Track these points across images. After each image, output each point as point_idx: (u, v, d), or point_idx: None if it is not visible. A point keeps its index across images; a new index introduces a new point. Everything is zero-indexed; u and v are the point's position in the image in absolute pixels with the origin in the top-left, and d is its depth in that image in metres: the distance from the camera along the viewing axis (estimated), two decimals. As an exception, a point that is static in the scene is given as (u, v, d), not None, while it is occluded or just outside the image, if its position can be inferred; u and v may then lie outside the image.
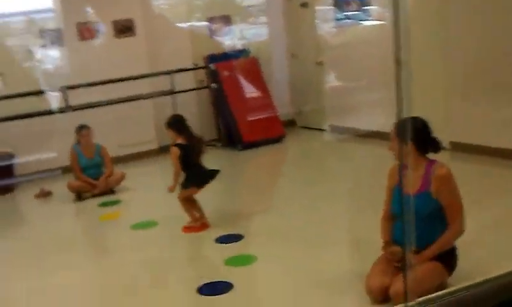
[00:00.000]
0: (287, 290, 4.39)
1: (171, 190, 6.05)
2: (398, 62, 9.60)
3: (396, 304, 3.79)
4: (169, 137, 6.16)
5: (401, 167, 4.04)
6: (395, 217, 4.08)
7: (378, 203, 4.28)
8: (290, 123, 10.60)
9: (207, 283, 4.56)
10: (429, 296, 2.85)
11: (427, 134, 3.99)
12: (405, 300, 2.92)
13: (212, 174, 6.14)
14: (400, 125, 3.81)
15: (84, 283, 5.10)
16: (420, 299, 2.78)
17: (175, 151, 5.94)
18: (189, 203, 6.08)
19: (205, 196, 7.45)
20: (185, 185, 6.03)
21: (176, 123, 6.11)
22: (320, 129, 10.15)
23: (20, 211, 8.17)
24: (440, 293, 2.88)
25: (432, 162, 3.97)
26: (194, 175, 6.03)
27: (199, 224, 6.04)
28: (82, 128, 7.76)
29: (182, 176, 6.03)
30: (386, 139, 7.83)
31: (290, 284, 4.46)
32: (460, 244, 4.03)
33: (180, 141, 6.00)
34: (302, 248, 5.17)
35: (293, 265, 4.82)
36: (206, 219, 6.08)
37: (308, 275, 4.56)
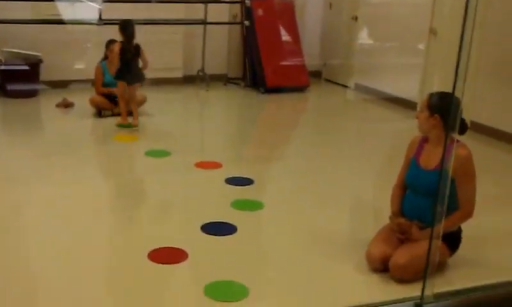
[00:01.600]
0: (287, 242, 4.40)
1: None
2: (432, 31, 9.50)
3: (394, 276, 3.81)
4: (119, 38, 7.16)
5: (422, 140, 4.01)
6: (407, 187, 4.06)
7: (393, 170, 4.23)
8: (316, 74, 10.51)
9: (211, 222, 4.56)
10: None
11: (457, 113, 3.93)
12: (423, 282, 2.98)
13: (140, 77, 7.28)
14: (433, 97, 3.83)
15: (83, 197, 5.08)
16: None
17: (117, 45, 7.18)
18: (125, 100, 7.25)
19: (221, 136, 7.46)
20: (117, 77, 7.22)
21: (126, 26, 7.08)
22: (344, 85, 10.07)
23: (39, 118, 8.17)
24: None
25: (454, 141, 3.91)
26: (125, 72, 7.13)
27: (128, 121, 7.24)
28: (111, 43, 7.66)
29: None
30: (409, 107, 7.70)
31: (291, 238, 4.47)
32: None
33: (123, 40, 7.11)
34: (309, 203, 5.17)
35: (298, 219, 4.83)
36: (136, 123, 7.21)
37: (311, 231, 4.56)
